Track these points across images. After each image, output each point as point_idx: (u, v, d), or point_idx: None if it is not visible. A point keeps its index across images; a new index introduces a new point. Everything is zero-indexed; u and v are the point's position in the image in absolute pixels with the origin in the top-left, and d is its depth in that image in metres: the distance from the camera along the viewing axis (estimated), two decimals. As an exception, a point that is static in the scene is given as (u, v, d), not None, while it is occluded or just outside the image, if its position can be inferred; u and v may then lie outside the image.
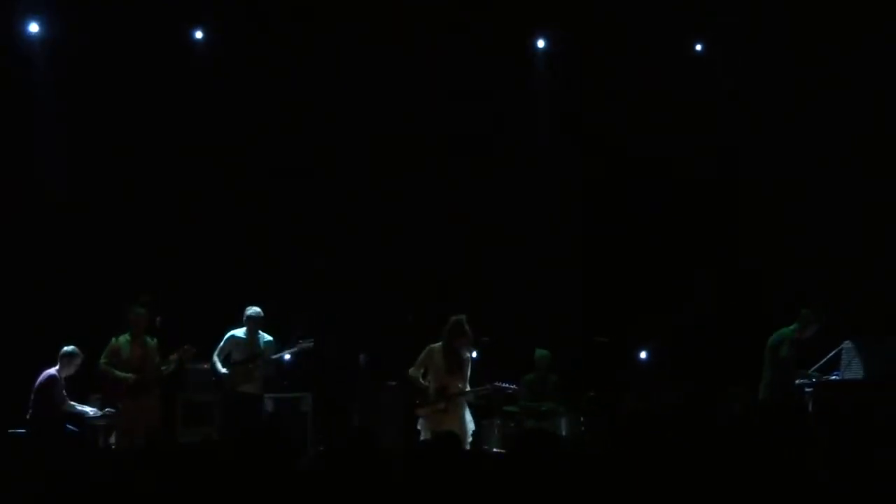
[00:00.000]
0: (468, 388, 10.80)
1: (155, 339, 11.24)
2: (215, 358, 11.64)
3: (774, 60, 13.77)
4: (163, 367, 11.20)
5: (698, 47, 14.47)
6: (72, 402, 11.36)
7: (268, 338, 11.77)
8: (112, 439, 11.36)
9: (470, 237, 14.20)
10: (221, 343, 11.68)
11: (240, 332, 11.73)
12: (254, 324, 11.71)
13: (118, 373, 11.10)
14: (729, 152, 14.17)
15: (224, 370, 11.60)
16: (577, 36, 14.21)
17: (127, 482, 6.04)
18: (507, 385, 11.34)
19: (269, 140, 13.92)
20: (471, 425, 10.88)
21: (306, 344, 11.78)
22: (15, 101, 13.19)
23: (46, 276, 12.97)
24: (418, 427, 10.87)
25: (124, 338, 11.23)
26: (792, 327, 11.13)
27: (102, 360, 11.21)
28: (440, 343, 10.75)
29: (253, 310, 11.74)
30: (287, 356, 11.87)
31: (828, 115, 13.49)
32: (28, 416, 11.24)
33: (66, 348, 11.36)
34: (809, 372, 11.11)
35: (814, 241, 13.45)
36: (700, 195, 14.32)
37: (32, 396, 11.27)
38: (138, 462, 6.00)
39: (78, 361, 11.36)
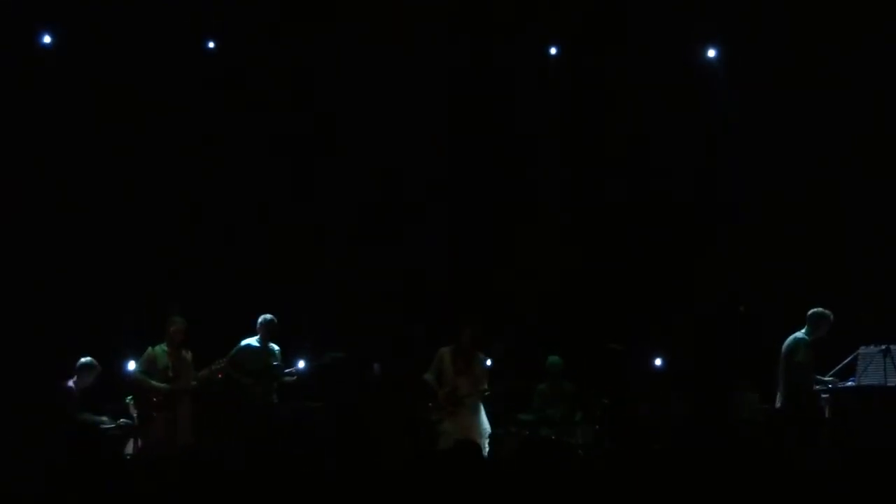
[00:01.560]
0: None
1: (190, 352, 11.25)
2: (228, 367, 11.51)
3: (774, 60, 13.72)
4: (193, 383, 11.20)
5: (703, 52, 14.41)
6: (86, 413, 11.35)
7: (277, 348, 11.71)
8: (127, 449, 11.34)
9: (480, 243, 14.17)
10: (233, 352, 11.59)
11: (253, 340, 11.65)
12: (267, 332, 11.62)
13: (153, 382, 11.12)
14: (731, 154, 14.12)
15: (243, 381, 11.49)
16: (579, 39, 14.18)
17: (143, 492, 6.05)
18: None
19: (274, 144, 13.92)
20: (486, 428, 10.88)
21: (328, 358, 11.72)
22: (24, 109, 13.24)
23: (57, 282, 12.99)
24: (438, 430, 10.88)
25: (160, 348, 11.25)
26: (803, 330, 11.04)
27: (137, 369, 11.24)
28: (450, 346, 10.83)
29: (266, 317, 11.65)
30: (303, 369, 11.75)
31: (828, 114, 13.43)
32: (40, 427, 11.24)
33: (83, 360, 11.33)
34: (825, 378, 11.03)
35: (816, 242, 13.37)
36: (705, 198, 14.26)
37: (45, 407, 11.28)
38: (156, 472, 6.03)
39: (95, 373, 11.35)
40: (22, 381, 11.99)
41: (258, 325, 11.65)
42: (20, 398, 11.73)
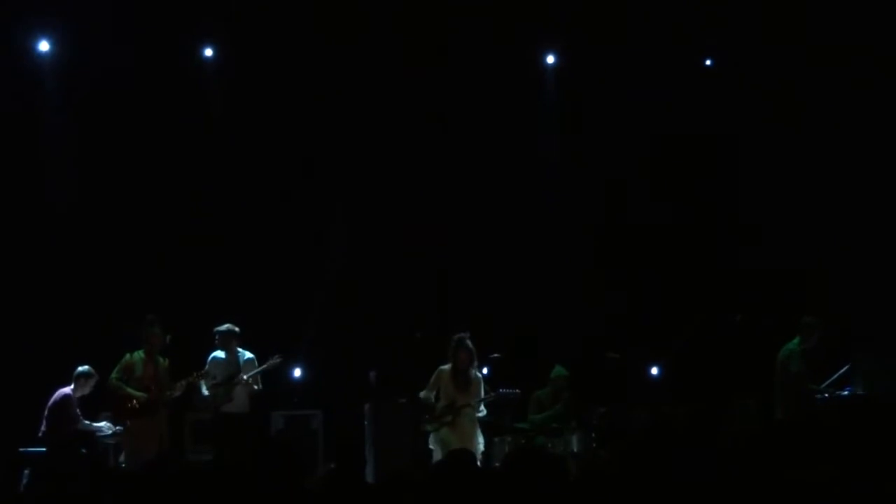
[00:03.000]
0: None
1: (167, 360, 11.20)
2: (202, 381, 11.44)
3: (774, 61, 13.73)
4: (168, 392, 11.16)
5: (703, 56, 14.43)
6: (85, 421, 11.35)
7: (248, 355, 11.59)
8: (122, 458, 11.33)
9: (480, 251, 14.17)
10: (206, 366, 11.50)
11: (220, 352, 11.57)
12: (226, 341, 11.53)
13: (130, 390, 11.04)
14: (732, 160, 14.14)
15: (206, 393, 11.42)
16: (584, 46, 14.20)
17: (137, 501, 6.03)
18: (510, 391, 11.30)
19: (276, 152, 13.93)
20: (480, 443, 10.85)
21: (273, 361, 11.56)
22: (24, 116, 13.24)
23: (57, 286, 12.99)
24: (430, 446, 10.86)
25: (138, 355, 11.16)
26: (796, 340, 11.01)
27: (114, 376, 11.14)
28: (449, 365, 10.84)
29: (224, 327, 11.55)
30: (257, 374, 11.61)
31: (828, 115, 13.42)
32: (41, 434, 11.25)
33: (81, 368, 11.35)
34: (821, 387, 11.02)
35: (813, 249, 13.37)
36: (706, 205, 14.27)
37: (46, 414, 11.28)
38: (148, 481, 6.00)
39: (93, 382, 11.36)
40: (22, 388, 11.97)
41: (217, 338, 11.57)
42: (21, 405, 11.72)
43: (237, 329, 11.53)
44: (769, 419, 11.18)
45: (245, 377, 11.40)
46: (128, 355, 11.16)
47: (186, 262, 13.43)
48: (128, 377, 11.10)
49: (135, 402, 10.99)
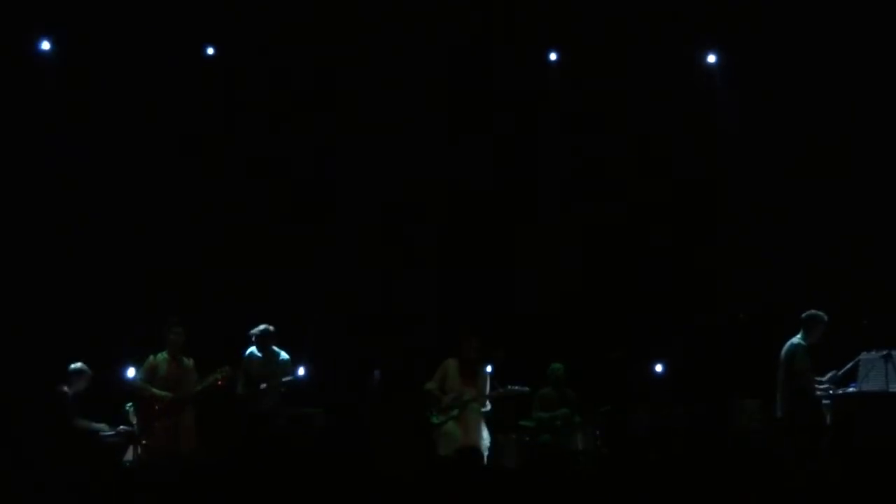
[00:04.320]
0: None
1: (191, 360, 11.23)
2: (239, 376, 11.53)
3: (773, 63, 13.72)
4: (198, 388, 11.17)
5: (706, 58, 14.41)
6: (84, 420, 11.33)
7: (284, 355, 11.68)
8: (127, 457, 11.32)
9: (480, 248, 14.16)
10: (244, 363, 11.58)
11: (254, 350, 11.66)
12: (262, 341, 11.62)
13: (155, 391, 11.09)
14: (731, 159, 14.13)
15: (242, 390, 11.51)
16: (582, 46, 14.20)
17: (143, 499, 6.06)
18: (518, 387, 11.32)
19: (278, 152, 13.93)
20: (486, 438, 10.88)
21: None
22: (26, 116, 13.24)
23: (56, 288, 12.99)
24: (441, 431, 10.88)
25: (161, 355, 11.23)
26: (799, 336, 10.96)
27: (138, 378, 11.22)
28: (456, 357, 10.87)
29: (259, 328, 11.65)
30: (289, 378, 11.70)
31: (827, 118, 13.41)
32: (40, 434, 11.22)
33: (73, 365, 11.33)
34: (823, 380, 10.98)
35: (816, 247, 13.35)
36: (707, 207, 14.26)
37: (43, 413, 11.26)
38: (156, 480, 6.02)
39: (86, 379, 11.34)
40: (21, 387, 11.97)
41: (254, 338, 11.62)
42: (20, 403, 11.71)
43: (272, 329, 11.60)
44: (772, 417, 11.15)
45: (284, 379, 11.50)
46: (151, 357, 11.24)
47: (189, 263, 13.43)
48: (152, 378, 11.12)
49: (160, 402, 11.01)
